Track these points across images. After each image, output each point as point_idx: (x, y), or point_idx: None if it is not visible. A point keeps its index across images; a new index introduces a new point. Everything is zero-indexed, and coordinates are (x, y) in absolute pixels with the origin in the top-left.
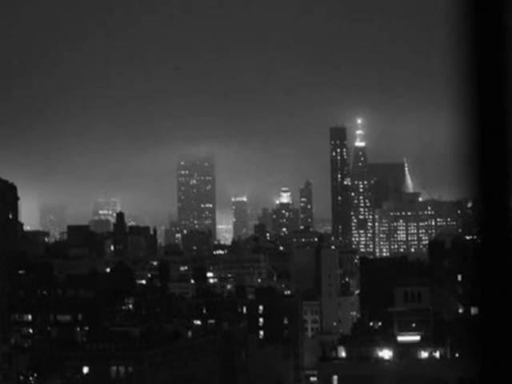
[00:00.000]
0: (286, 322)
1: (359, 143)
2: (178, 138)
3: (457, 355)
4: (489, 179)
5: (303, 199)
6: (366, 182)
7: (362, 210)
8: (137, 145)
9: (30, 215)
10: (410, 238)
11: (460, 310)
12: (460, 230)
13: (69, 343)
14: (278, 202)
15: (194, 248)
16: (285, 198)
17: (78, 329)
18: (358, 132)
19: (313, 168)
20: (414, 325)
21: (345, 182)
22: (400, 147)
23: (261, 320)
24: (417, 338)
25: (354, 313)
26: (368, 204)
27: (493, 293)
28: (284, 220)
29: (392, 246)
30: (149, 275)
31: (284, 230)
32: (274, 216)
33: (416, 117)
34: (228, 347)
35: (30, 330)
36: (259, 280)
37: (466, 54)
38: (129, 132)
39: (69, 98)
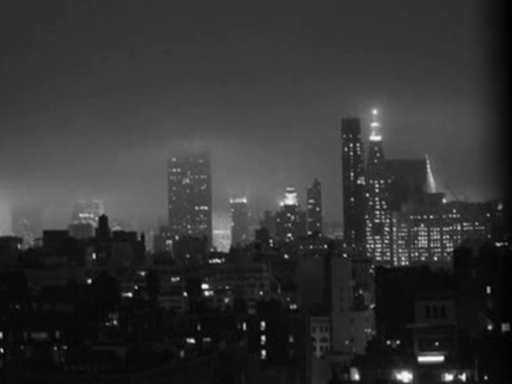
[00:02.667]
0: (291, 340)
1: (375, 137)
2: (168, 131)
3: (485, 378)
4: None
5: (311, 201)
6: (382, 182)
7: (377, 213)
8: (122, 139)
9: (0, 219)
10: (432, 245)
11: (489, 327)
12: (489, 236)
13: (45, 364)
14: (282, 203)
15: (187, 256)
16: (290, 200)
17: (56, 348)
18: (374, 124)
19: (322, 165)
20: (436, 343)
21: (358, 182)
22: (421, 142)
23: (263, 338)
24: (440, 358)
25: (369, 330)
26: (385, 206)
27: None
28: (289, 224)
29: (412, 254)
30: (136, 287)
31: (289, 235)
32: (278, 220)
33: (439, 107)
34: (226, 369)
35: (1, 350)
36: (261, 293)
37: (495, 36)
38: (113, 124)
39: (45, 86)
